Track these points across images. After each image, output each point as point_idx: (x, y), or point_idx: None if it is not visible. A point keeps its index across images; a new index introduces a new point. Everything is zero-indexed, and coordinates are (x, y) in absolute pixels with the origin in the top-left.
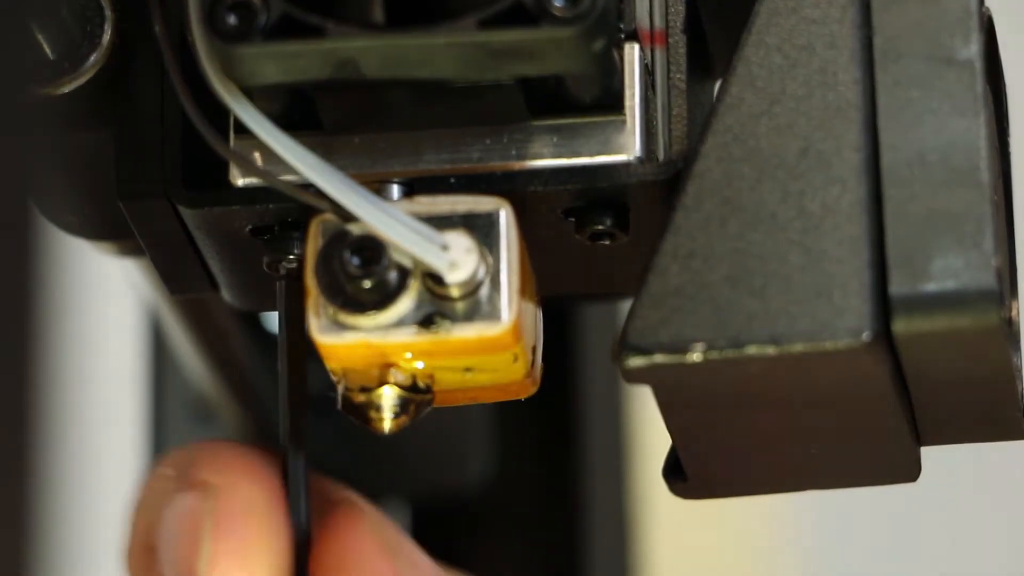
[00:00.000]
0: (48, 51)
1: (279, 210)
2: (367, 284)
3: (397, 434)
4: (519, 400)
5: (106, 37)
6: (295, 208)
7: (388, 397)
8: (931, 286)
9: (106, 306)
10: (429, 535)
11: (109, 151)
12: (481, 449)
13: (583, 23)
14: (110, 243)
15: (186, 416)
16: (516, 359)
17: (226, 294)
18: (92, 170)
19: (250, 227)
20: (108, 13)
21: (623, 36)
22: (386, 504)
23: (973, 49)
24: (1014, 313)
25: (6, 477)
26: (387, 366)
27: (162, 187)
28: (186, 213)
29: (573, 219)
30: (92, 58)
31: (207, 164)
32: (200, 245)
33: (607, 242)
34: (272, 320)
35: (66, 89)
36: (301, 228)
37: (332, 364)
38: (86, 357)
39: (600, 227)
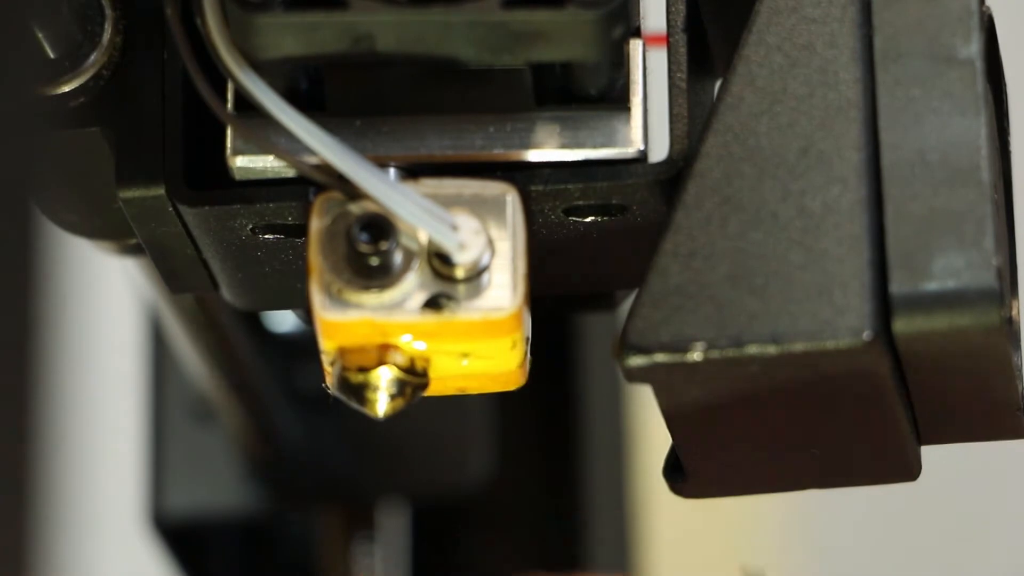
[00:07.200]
0: (48, 50)
1: (280, 209)
2: (374, 262)
3: (397, 434)
4: (519, 400)
5: (106, 36)
6: (296, 207)
7: (386, 378)
8: (932, 285)
9: (106, 306)
10: (429, 535)
11: (109, 150)
12: (481, 449)
13: (607, 7)
14: (110, 242)
15: (186, 415)
16: (514, 346)
17: (226, 293)
18: (92, 169)
19: (250, 226)
20: (108, 12)
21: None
22: (386, 504)
23: (974, 48)
24: (1014, 312)
25: (7, 476)
26: (386, 347)
27: (162, 186)
28: (186, 212)
29: (574, 218)
30: (92, 57)
31: (208, 163)
32: (200, 244)
33: (600, 218)
34: (272, 320)
35: (67, 88)
36: (302, 230)
37: (331, 343)
38: (86, 357)
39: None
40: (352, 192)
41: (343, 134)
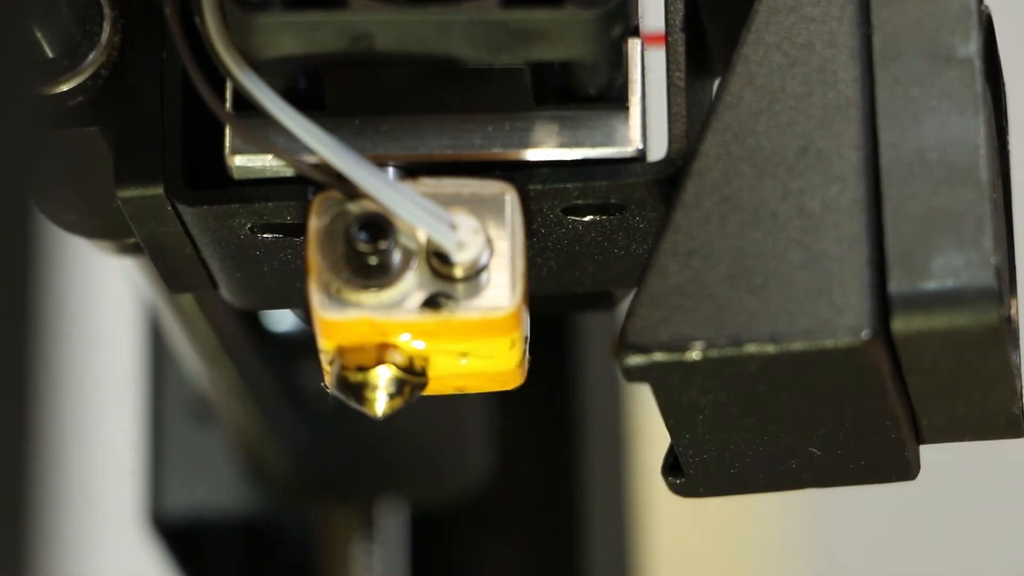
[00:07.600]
0: (47, 50)
1: (278, 208)
2: (372, 261)
3: (396, 434)
4: (518, 400)
5: (105, 35)
6: (295, 206)
7: (385, 377)
8: (931, 284)
9: (106, 306)
10: (428, 536)
11: (108, 149)
12: (480, 449)
13: (606, 6)
14: (109, 242)
15: (185, 415)
16: (513, 345)
17: (225, 293)
18: (92, 169)
19: (249, 225)
20: (107, 11)
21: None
22: (385, 504)
23: (972, 47)
24: (1013, 311)
25: (6, 476)
26: (384, 346)
27: (161, 185)
28: (185, 211)
29: (573, 218)
30: (91, 56)
31: (206, 162)
32: (199, 243)
33: (598, 217)
34: (271, 319)
35: (65, 88)
36: (300, 228)
37: (330, 342)
38: (86, 357)
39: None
40: (351, 191)
41: (342, 133)
